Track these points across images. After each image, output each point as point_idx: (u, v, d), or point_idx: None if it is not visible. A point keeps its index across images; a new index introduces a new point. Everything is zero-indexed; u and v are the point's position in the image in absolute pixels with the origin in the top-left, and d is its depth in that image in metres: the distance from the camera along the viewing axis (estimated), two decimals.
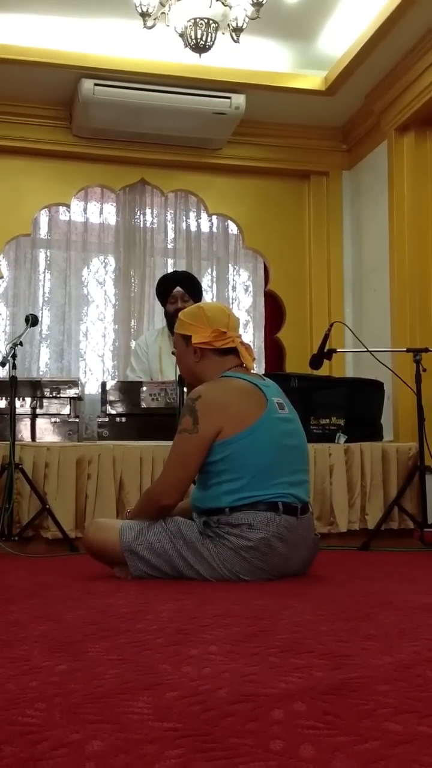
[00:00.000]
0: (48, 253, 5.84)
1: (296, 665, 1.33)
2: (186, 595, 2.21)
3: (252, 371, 2.81)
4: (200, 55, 4.33)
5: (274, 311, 6.12)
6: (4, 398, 4.02)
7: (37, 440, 4.10)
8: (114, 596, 2.22)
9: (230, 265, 6.14)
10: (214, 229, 6.12)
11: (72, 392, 4.19)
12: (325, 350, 4.18)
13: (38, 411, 4.16)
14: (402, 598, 2.19)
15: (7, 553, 3.54)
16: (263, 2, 4.13)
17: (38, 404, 4.16)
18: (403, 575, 2.93)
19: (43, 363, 5.73)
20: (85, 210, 5.90)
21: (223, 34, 4.29)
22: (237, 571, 2.53)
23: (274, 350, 6.10)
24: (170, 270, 5.81)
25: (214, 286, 6.07)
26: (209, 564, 2.54)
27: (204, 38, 4.20)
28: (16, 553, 3.54)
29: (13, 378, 3.81)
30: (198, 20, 4.18)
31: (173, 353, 2.99)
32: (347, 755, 0.89)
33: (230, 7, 4.20)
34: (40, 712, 1.07)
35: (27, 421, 4.14)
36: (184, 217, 6.06)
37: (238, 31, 4.25)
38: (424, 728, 0.99)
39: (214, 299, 5.97)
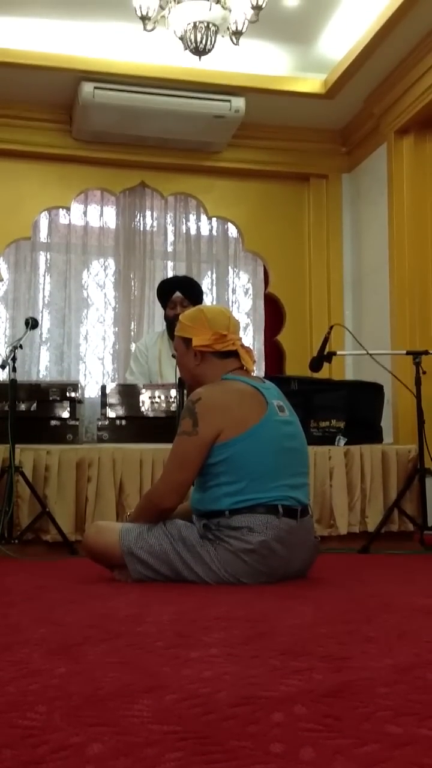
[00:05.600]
0: (48, 256, 5.84)
1: (296, 668, 1.33)
2: (186, 598, 2.21)
3: (252, 374, 2.81)
4: (200, 58, 4.34)
5: (273, 314, 6.13)
6: (4, 401, 4.02)
7: (37, 443, 4.09)
8: (114, 599, 2.22)
9: (230, 267, 6.14)
10: (214, 232, 6.12)
11: (72, 395, 4.19)
12: (325, 353, 4.18)
13: (38, 414, 4.16)
14: (402, 601, 2.19)
15: (7, 556, 3.53)
16: (263, 6, 4.13)
17: (38, 407, 4.16)
18: (403, 578, 2.93)
19: (43, 366, 5.73)
20: (85, 213, 5.90)
21: (223, 37, 4.30)
22: (237, 574, 2.53)
23: (274, 353, 6.10)
24: (170, 273, 5.82)
25: (214, 288, 6.07)
26: (209, 567, 2.54)
27: (204, 41, 4.21)
28: (16, 556, 3.54)
29: (13, 381, 3.81)
30: (198, 23, 4.19)
31: (173, 356, 2.99)
32: (347, 758, 0.89)
33: (230, 11, 4.20)
34: (40, 715, 1.08)
35: (27, 424, 4.13)
36: (183, 220, 6.07)
37: (237, 34, 4.25)
38: (424, 731, 0.99)
39: (214, 302, 5.97)
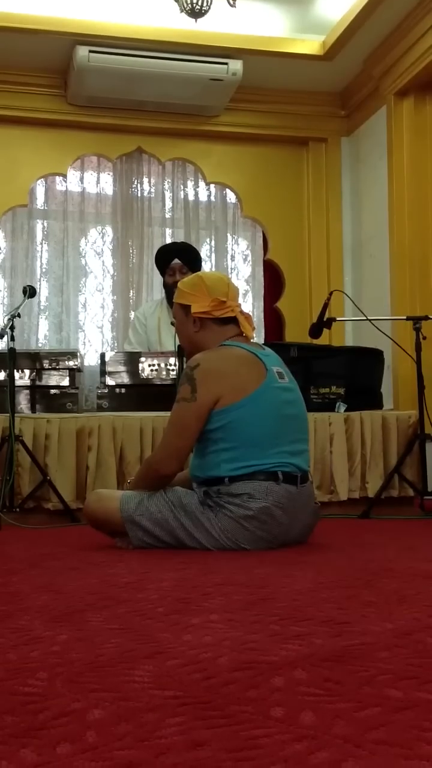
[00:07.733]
0: (45, 224, 5.80)
1: (297, 633, 1.34)
2: (187, 565, 2.22)
3: (252, 340, 2.80)
4: (196, 20, 4.27)
5: (273, 280, 6.10)
6: (3, 370, 4.01)
7: (37, 412, 4.09)
8: (115, 566, 2.23)
9: (229, 234, 6.10)
10: (212, 198, 6.07)
11: (71, 363, 4.18)
12: (325, 319, 4.16)
13: (37, 383, 4.16)
14: (402, 566, 2.19)
15: (9, 524, 3.55)
16: None
17: (37, 376, 4.16)
18: (403, 543, 2.94)
19: (41, 335, 5.72)
20: (81, 180, 5.85)
21: None
22: (238, 540, 2.54)
23: (273, 319, 6.08)
24: (168, 240, 5.77)
25: (213, 255, 6.04)
26: (210, 533, 2.55)
27: (200, 3, 4.14)
28: (18, 524, 3.55)
29: (11, 350, 3.80)
30: None
31: (172, 323, 2.98)
32: (347, 721, 0.90)
33: None
34: (42, 681, 1.08)
35: (26, 393, 4.14)
36: (181, 186, 6.01)
37: None
38: (424, 694, 0.99)
39: (213, 269, 5.93)
